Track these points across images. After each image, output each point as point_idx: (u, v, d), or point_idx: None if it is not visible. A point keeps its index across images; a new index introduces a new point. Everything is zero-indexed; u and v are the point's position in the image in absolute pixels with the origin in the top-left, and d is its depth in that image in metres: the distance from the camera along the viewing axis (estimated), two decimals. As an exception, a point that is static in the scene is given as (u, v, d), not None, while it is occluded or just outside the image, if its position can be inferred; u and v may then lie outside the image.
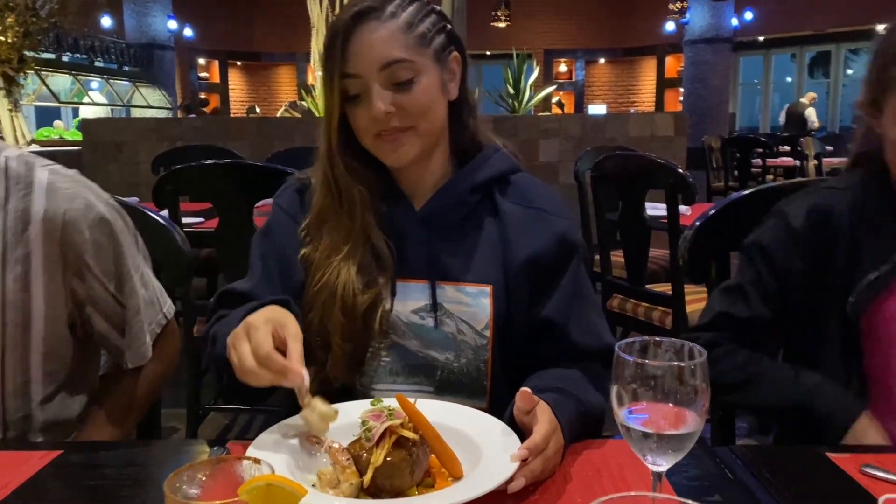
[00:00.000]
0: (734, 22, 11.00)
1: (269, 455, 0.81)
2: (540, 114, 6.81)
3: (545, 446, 0.85)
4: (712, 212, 1.46)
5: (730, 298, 1.24)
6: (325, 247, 1.10)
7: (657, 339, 0.72)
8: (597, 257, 3.22)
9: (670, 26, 13.22)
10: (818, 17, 12.66)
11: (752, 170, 7.87)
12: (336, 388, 1.07)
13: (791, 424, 1.24)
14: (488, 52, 14.75)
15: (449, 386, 1.10)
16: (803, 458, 0.96)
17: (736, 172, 7.84)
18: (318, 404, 0.88)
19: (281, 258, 1.14)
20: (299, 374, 0.86)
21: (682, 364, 0.68)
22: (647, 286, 2.96)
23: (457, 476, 0.84)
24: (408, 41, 1.05)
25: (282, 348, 0.89)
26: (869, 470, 0.87)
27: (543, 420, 0.87)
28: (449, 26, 1.12)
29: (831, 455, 0.92)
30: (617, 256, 3.17)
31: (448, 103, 1.13)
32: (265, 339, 0.88)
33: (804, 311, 1.20)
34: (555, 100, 12.51)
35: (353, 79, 1.05)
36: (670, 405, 0.69)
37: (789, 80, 16.24)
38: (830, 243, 1.18)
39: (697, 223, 1.45)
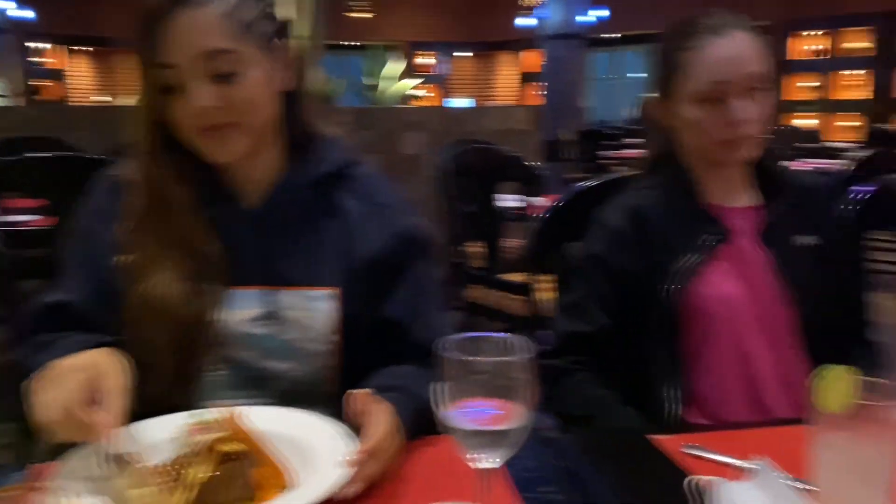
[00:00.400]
0: (588, 19, 11.47)
1: (73, 480, 0.74)
2: (402, 106, 6.79)
3: (383, 448, 0.83)
4: (557, 203, 1.51)
5: (572, 317, 1.29)
6: (144, 253, 1.01)
7: (481, 334, 0.71)
8: (458, 248, 3.26)
9: (524, 22, 13.60)
10: (666, 16, 13.45)
11: (606, 161, 8.23)
12: (164, 408, 0.98)
13: None
14: (353, 43, 14.58)
15: (294, 396, 1.04)
16: (630, 442, 0.99)
17: (590, 163, 8.18)
18: (126, 479, 0.77)
19: (98, 266, 1.04)
20: (101, 434, 0.76)
21: (508, 359, 0.69)
22: (504, 275, 3.03)
23: (286, 487, 0.80)
24: (231, 29, 0.97)
25: (98, 401, 0.80)
26: (688, 450, 0.92)
27: (382, 421, 0.85)
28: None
29: (657, 437, 0.97)
30: (476, 247, 3.23)
31: (282, 94, 1.07)
32: (72, 389, 0.78)
33: (634, 307, 1.26)
34: (419, 92, 12.54)
35: (169, 69, 0.96)
36: (497, 401, 0.69)
37: (641, 75, 17.17)
38: (648, 239, 1.26)
39: (543, 214, 1.50)
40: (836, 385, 0.67)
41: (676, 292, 1.22)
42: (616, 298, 1.27)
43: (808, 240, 1.28)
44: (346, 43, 14.63)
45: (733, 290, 1.24)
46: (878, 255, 1.85)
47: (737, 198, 1.30)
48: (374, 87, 6.93)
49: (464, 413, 0.68)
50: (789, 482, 0.81)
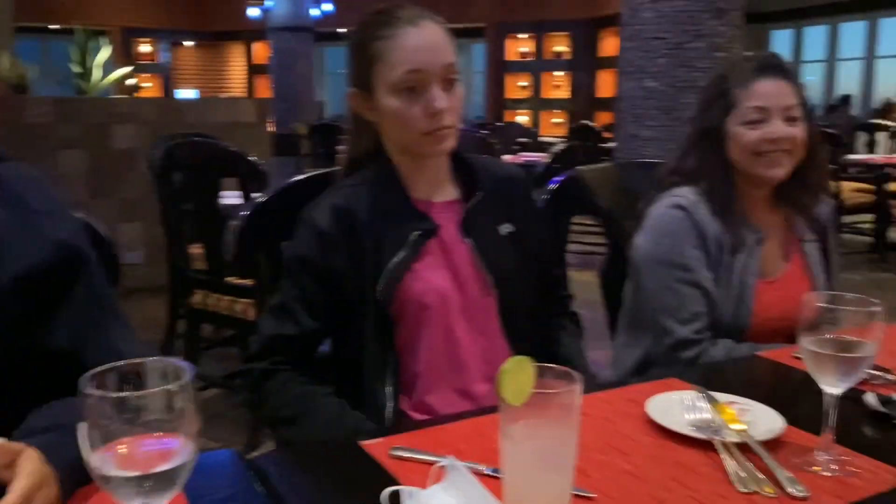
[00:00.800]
0: (315, 12, 11.39)
1: None
2: (113, 96, 6.17)
3: None
4: (261, 201, 1.41)
5: (278, 319, 1.23)
6: None
7: (134, 361, 0.61)
8: (180, 251, 3.02)
9: (255, 12, 13.20)
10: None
11: (339, 155, 8.26)
12: None
13: None
14: (54, 27, 13.03)
15: None
16: (338, 450, 0.95)
17: (328, 158, 8.14)
18: None
19: None
20: None
21: (167, 388, 0.58)
22: (231, 278, 2.86)
23: None
24: None
25: None
26: (396, 452, 0.89)
27: (23, 473, 0.70)
28: None
29: (364, 443, 0.92)
30: (200, 249, 3.02)
31: None
32: None
33: (346, 307, 1.23)
34: (134, 82, 11.55)
35: None
36: (156, 436, 0.59)
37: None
38: (357, 238, 1.23)
39: (246, 212, 1.39)
40: (516, 377, 0.67)
41: (388, 290, 1.21)
42: (325, 299, 1.23)
43: (506, 228, 1.33)
44: (51, 26, 13.08)
45: (442, 283, 1.25)
46: (574, 237, 2.01)
47: (441, 192, 1.31)
48: (82, 75, 6.25)
49: (114, 458, 0.57)
50: (482, 470, 0.82)
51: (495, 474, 0.81)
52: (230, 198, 3.20)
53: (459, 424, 1.01)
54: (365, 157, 1.32)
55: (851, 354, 0.85)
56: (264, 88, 15.19)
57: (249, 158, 2.68)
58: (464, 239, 1.28)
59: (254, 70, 16.49)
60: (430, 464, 0.82)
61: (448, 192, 1.32)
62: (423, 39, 1.20)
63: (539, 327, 1.38)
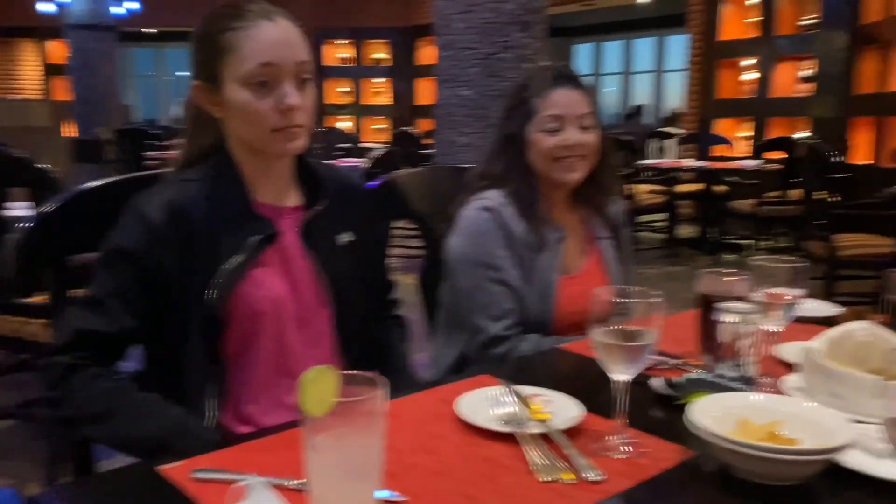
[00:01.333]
0: (119, 10, 10.63)
1: None
2: None
3: None
4: (44, 210, 1.28)
5: (91, 313, 1.12)
6: None
7: None
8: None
9: (48, 7, 12.10)
10: (203, 14, 13.20)
11: (149, 162, 7.79)
12: None
13: None
14: None
15: None
16: (134, 478, 0.88)
17: (134, 164, 7.64)
18: None
19: None
20: None
21: None
22: (21, 298, 2.60)
23: None
24: None
25: None
26: (197, 474, 0.84)
27: None
28: None
29: (162, 468, 0.87)
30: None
31: None
32: None
33: (171, 309, 1.16)
34: None
35: None
36: None
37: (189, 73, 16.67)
38: (191, 237, 1.16)
39: (27, 224, 1.26)
40: (316, 386, 0.66)
41: (220, 294, 1.14)
42: (147, 298, 1.14)
43: (345, 237, 1.30)
44: None
45: (278, 290, 1.21)
46: (398, 241, 2.03)
47: (285, 197, 1.27)
48: None
49: None
50: (287, 485, 0.80)
51: (300, 488, 0.79)
52: (19, 209, 2.92)
53: (269, 438, 0.98)
54: (202, 156, 1.25)
55: (634, 343, 0.92)
56: (64, 90, 13.98)
57: (37, 165, 2.44)
58: (303, 247, 1.24)
59: (50, 70, 15.11)
60: (229, 482, 0.78)
61: (292, 198, 1.28)
62: (277, 33, 1.16)
63: (371, 335, 1.38)
